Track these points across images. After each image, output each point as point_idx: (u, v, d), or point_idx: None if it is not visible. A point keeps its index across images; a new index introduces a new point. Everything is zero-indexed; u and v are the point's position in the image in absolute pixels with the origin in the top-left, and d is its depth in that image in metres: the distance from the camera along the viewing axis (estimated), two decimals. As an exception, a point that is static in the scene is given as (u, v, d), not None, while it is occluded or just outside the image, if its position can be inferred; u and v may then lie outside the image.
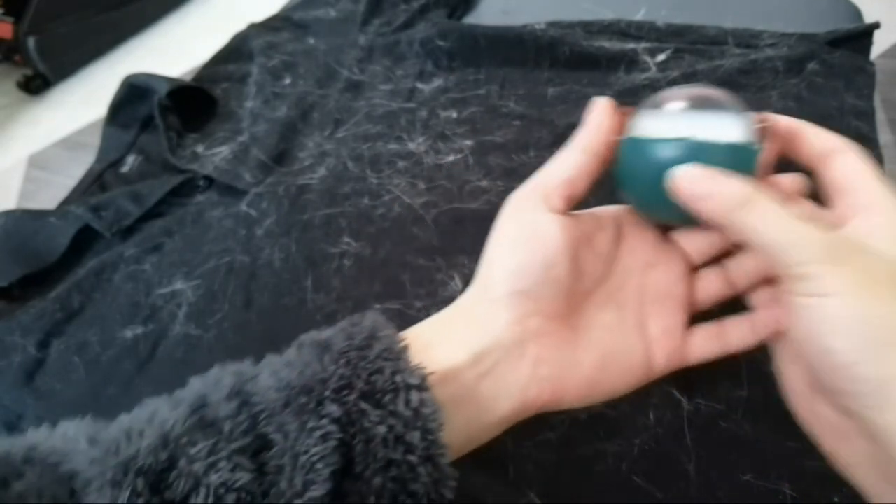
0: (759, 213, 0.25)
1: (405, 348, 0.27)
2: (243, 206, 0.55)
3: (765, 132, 0.29)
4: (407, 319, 0.45)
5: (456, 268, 0.48)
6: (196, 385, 0.27)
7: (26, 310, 0.52)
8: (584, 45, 0.61)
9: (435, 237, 0.50)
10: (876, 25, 0.58)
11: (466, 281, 0.47)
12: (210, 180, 0.59)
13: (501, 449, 0.39)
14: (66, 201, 0.65)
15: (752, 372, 0.40)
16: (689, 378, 0.41)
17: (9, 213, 0.57)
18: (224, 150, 0.62)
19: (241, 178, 0.58)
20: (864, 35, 0.58)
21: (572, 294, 0.30)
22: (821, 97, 0.54)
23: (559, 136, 0.56)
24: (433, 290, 0.47)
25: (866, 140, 0.52)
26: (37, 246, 0.56)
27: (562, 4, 0.70)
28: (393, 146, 0.58)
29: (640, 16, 0.65)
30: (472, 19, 0.75)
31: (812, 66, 0.56)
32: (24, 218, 0.57)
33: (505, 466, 0.39)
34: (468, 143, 0.57)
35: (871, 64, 0.57)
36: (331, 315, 0.47)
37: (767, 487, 0.37)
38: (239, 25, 0.84)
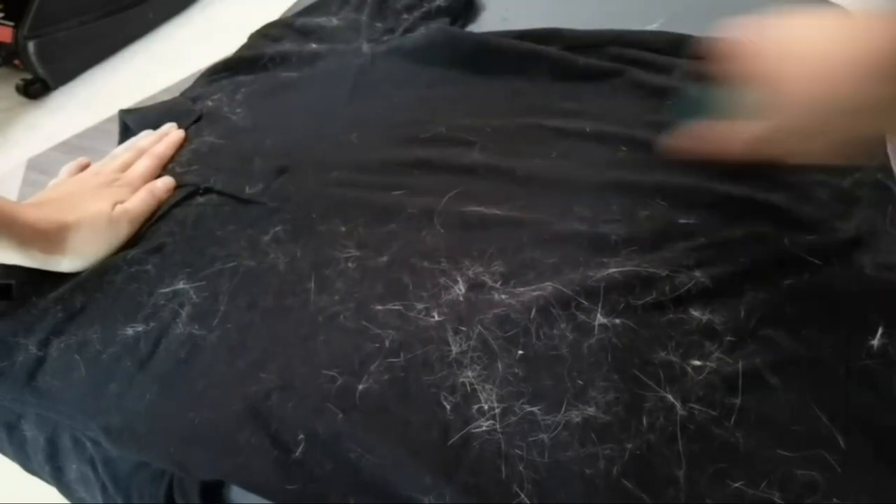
0: None
1: None
2: (249, 213, 0.56)
3: None
4: (407, 319, 0.46)
5: (460, 271, 0.49)
6: None
7: (27, 310, 0.52)
8: (597, 59, 0.62)
9: (442, 240, 0.51)
10: None
11: (469, 284, 0.48)
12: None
13: (494, 449, 0.40)
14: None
15: (748, 380, 0.41)
16: (684, 384, 0.41)
17: None
18: (224, 160, 0.62)
19: (244, 190, 0.58)
20: None
21: None
22: None
23: (573, 145, 0.56)
24: (436, 293, 0.48)
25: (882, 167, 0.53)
26: None
27: (561, 11, 0.71)
28: (403, 153, 0.59)
29: (635, 26, 0.66)
30: (474, 27, 0.76)
31: None
32: None
33: (497, 466, 0.39)
34: (480, 148, 0.58)
35: None
36: (333, 316, 0.48)
37: (758, 496, 0.37)
38: (240, 31, 0.84)
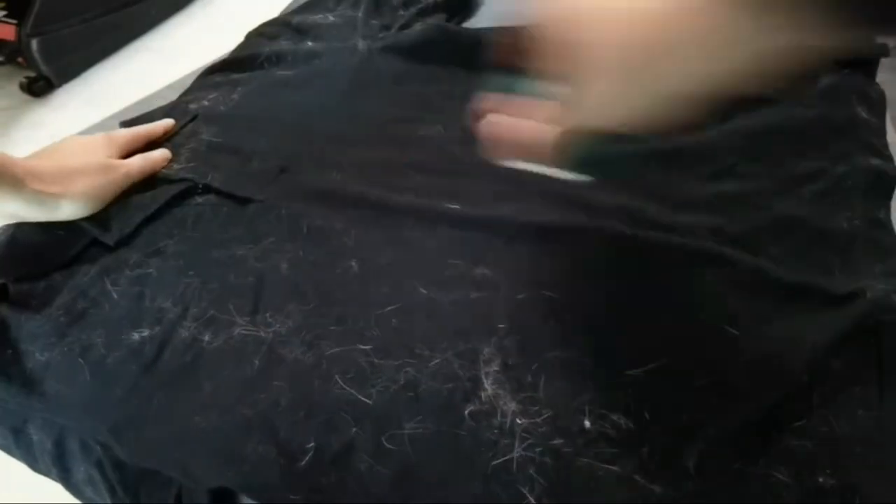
0: None
1: None
2: (250, 214, 0.57)
3: None
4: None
5: (465, 273, 0.49)
6: None
7: (30, 315, 0.53)
8: None
9: (445, 242, 0.51)
10: (885, 52, 0.58)
11: (477, 285, 0.48)
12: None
13: (507, 459, 0.40)
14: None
15: None
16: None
17: (19, 226, 0.58)
18: (223, 159, 0.62)
19: (244, 187, 0.58)
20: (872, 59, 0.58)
21: None
22: (834, 110, 0.55)
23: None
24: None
25: (879, 154, 0.53)
26: (42, 254, 0.57)
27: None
28: (400, 153, 0.59)
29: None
30: (473, 23, 0.76)
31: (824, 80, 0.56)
32: (34, 231, 0.58)
33: (510, 475, 0.39)
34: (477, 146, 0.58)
35: (877, 84, 0.58)
36: (340, 320, 0.48)
37: (761, 472, 0.37)
38: (242, 27, 0.84)
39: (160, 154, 0.63)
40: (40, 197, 0.53)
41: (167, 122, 0.69)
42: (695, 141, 0.55)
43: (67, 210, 0.56)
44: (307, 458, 0.42)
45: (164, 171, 0.63)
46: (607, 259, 0.49)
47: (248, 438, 0.43)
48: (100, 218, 0.58)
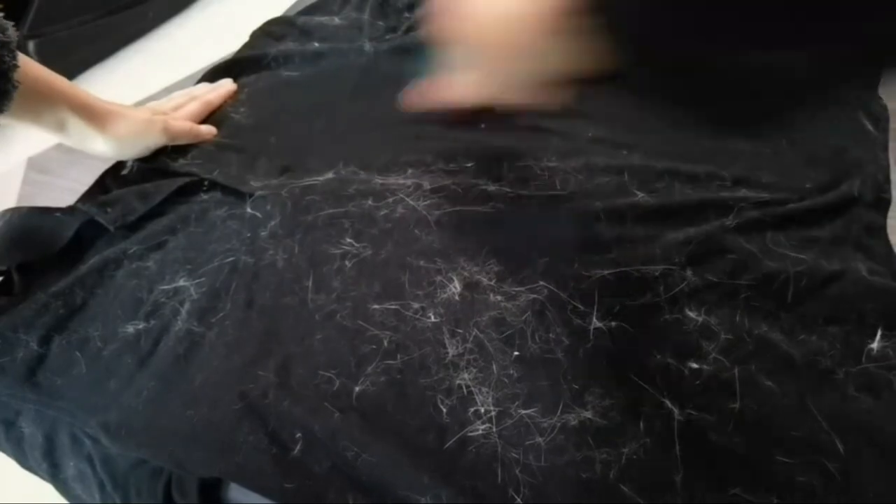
0: None
1: None
2: (248, 209, 0.56)
3: None
4: (404, 320, 0.47)
5: (455, 270, 0.48)
6: None
7: (28, 305, 0.52)
8: None
9: (436, 239, 0.51)
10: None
11: (465, 283, 0.48)
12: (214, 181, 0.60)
13: (490, 452, 0.40)
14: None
15: (746, 384, 0.41)
16: (682, 388, 0.41)
17: (15, 210, 0.58)
18: (229, 157, 0.62)
19: (247, 183, 0.58)
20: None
21: None
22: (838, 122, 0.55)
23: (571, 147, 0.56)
24: (431, 292, 0.48)
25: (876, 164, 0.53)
26: (41, 238, 0.57)
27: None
28: (403, 152, 0.59)
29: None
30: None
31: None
32: (31, 215, 0.57)
33: (493, 470, 0.39)
34: (479, 149, 0.58)
35: (881, 98, 0.58)
36: (330, 315, 0.48)
37: (756, 502, 0.37)
38: (241, 31, 0.84)
39: (207, 129, 0.66)
40: (82, 128, 0.58)
41: (230, 88, 0.72)
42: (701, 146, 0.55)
43: (101, 147, 0.60)
44: (298, 447, 0.42)
45: (170, 164, 0.63)
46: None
47: (239, 429, 0.43)
48: (101, 201, 0.58)
